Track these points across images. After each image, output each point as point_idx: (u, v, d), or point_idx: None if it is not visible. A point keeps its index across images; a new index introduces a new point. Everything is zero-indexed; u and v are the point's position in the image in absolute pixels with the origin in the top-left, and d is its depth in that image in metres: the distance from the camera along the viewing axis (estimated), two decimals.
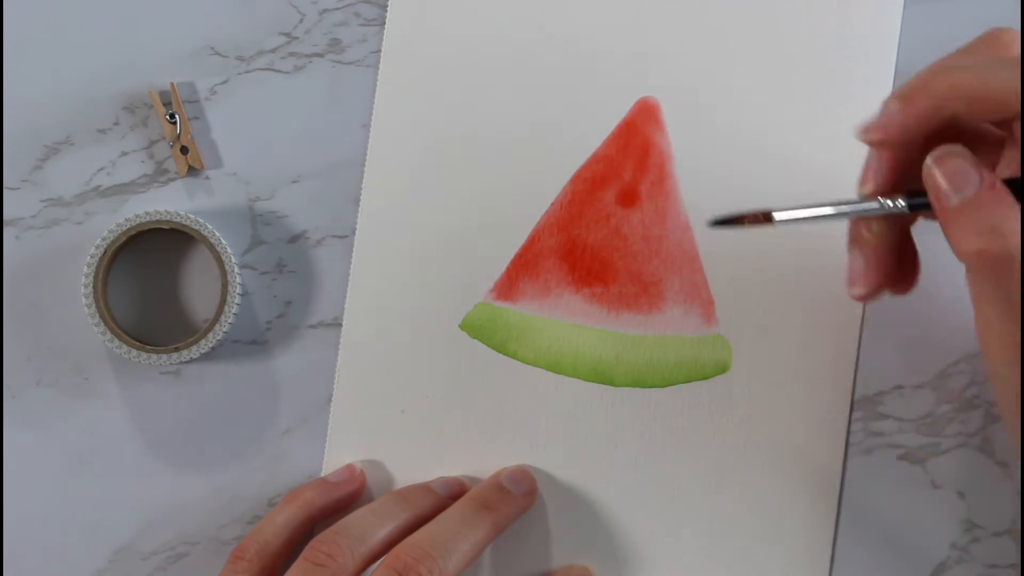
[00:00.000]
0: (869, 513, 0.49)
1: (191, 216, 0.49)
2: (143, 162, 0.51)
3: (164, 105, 0.50)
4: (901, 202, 0.39)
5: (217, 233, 0.49)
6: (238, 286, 0.49)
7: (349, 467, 0.50)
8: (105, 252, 0.49)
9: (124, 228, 0.49)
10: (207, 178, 0.51)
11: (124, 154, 0.51)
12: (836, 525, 0.49)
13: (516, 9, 0.50)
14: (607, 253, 0.50)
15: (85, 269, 0.49)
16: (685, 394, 0.50)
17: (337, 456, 0.50)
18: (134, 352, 0.49)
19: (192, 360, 0.50)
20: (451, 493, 0.49)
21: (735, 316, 0.50)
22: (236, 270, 0.49)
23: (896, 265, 0.42)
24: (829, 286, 0.49)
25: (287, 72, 0.51)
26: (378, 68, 0.50)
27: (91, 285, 0.49)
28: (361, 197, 0.50)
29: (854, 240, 0.41)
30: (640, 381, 0.50)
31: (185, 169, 0.50)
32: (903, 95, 0.39)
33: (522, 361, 0.50)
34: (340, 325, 0.50)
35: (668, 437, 0.50)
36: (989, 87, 0.37)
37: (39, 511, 0.50)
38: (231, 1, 0.51)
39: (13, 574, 0.50)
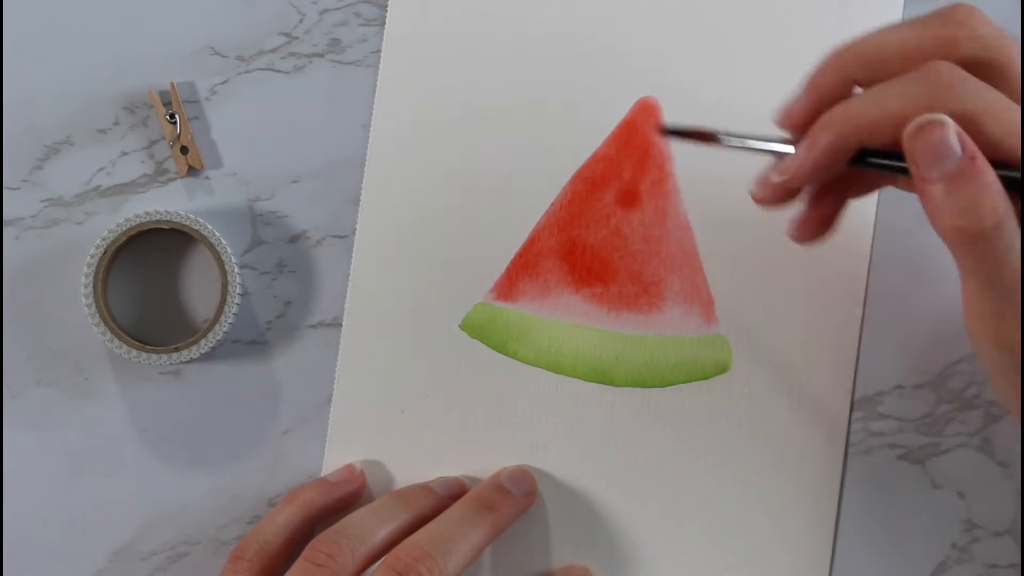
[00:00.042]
0: (869, 513, 0.49)
1: (191, 216, 0.49)
2: (143, 162, 0.51)
3: (164, 105, 0.50)
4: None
5: (217, 233, 0.49)
6: (238, 286, 0.49)
7: (349, 467, 0.50)
8: (105, 252, 0.49)
9: (124, 228, 0.49)
10: (207, 178, 0.51)
11: (124, 154, 0.51)
12: (836, 525, 0.49)
13: (516, 9, 0.50)
14: (607, 253, 0.50)
15: (85, 269, 0.49)
16: (685, 394, 0.50)
17: (337, 456, 0.50)
18: (134, 352, 0.49)
19: (192, 360, 0.50)
20: (451, 493, 0.49)
21: (735, 316, 0.50)
22: (236, 270, 0.49)
23: (813, 202, 0.42)
24: (829, 286, 0.49)
25: (287, 72, 0.51)
26: (378, 68, 0.50)
27: (91, 285, 0.49)
28: (361, 197, 0.50)
29: (776, 169, 0.41)
30: (640, 381, 0.50)
31: (185, 169, 0.50)
32: (809, 137, 0.39)
33: (522, 361, 0.50)
34: (340, 325, 0.50)
35: (668, 437, 0.50)
36: (888, 116, 0.38)
37: (39, 511, 0.50)
38: (231, 1, 0.51)
39: (13, 574, 0.50)
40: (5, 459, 0.50)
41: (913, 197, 0.39)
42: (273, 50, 0.51)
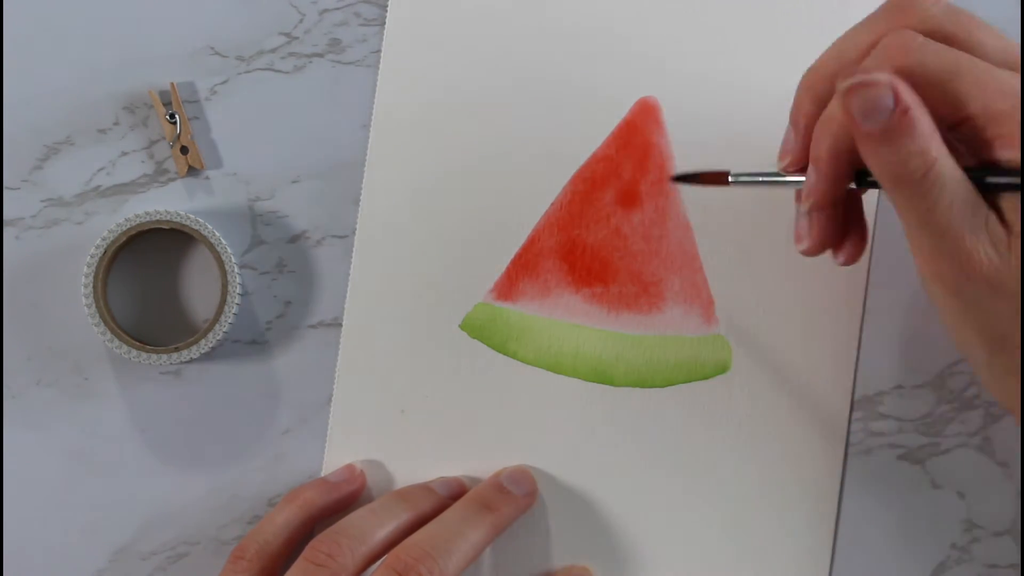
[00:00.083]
0: (869, 513, 0.49)
1: (191, 216, 0.49)
2: (143, 162, 0.51)
3: (164, 105, 0.50)
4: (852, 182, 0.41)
5: (217, 233, 0.49)
6: (238, 286, 0.49)
7: (349, 467, 0.50)
8: (105, 252, 0.49)
9: (124, 228, 0.49)
10: (207, 178, 0.51)
11: (124, 154, 0.51)
12: (836, 525, 0.49)
13: (516, 9, 0.50)
14: (607, 253, 0.50)
15: (85, 269, 0.49)
16: (685, 394, 0.50)
17: (337, 456, 0.50)
18: (134, 352, 0.49)
19: (192, 360, 0.50)
20: (451, 493, 0.49)
21: (735, 316, 0.50)
22: (236, 270, 0.49)
23: (839, 230, 0.43)
24: (829, 286, 0.49)
25: (287, 72, 0.51)
26: (378, 68, 0.50)
27: (91, 285, 0.49)
28: (361, 197, 0.50)
29: (799, 200, 0.43)
30: (640, 381, 0.50)
31: (185, 169, 0.50)
32: (812, 154, 0.41)
33: (522, 361, 0.50)
34: (340, 325, 0.50)
35: (668, 437, 0.50)
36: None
37: (39, 511, 0.50)
38: (231, 1, 0.51)
39: (13, 574, 0.50)
40: (5, 459, 0.50)
41: None
42: (273, 50, 0.51)
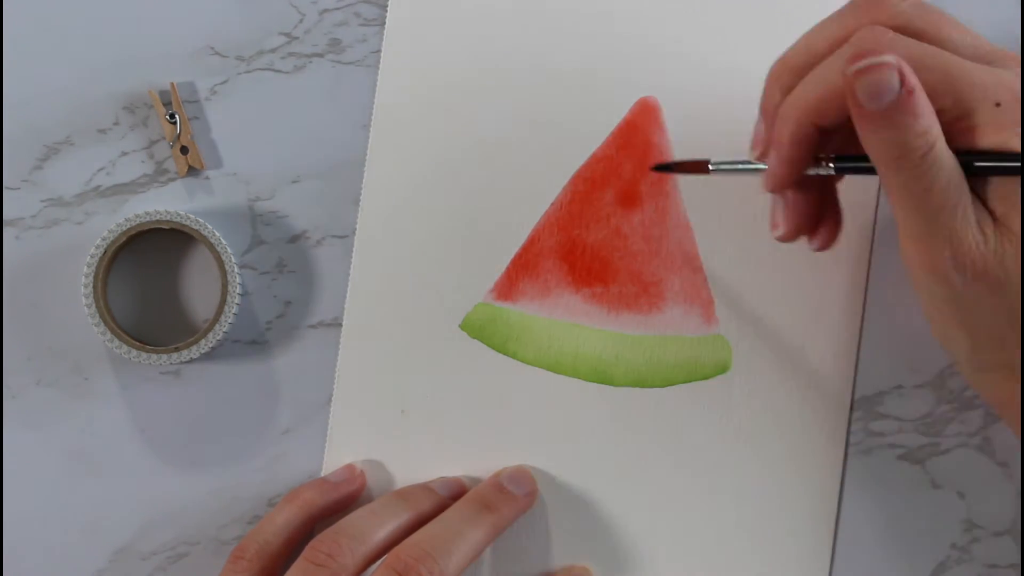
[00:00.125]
0: (869, 513, 0.49)
1: (191, 216, 0.49)
2: (143, 162, 0.51)
3: (164, 105, 0.50)
4: (830, 165, 0.42)
5: (217, 233, 0.49)
6: (238, 286, 0.49)
7: (349, 467, 0.50)
8: (105, 252, 0.49)
9: (124, 228, 0.49)
10: (207, 178, 0.51)
11: (124, 154, 0.51)
12: (836, 525, 0.49)
13: (516, 9, 0.50)
14: (607, 253, 0.50)
15: (85, 269, 0.49)
16: (685, 394, 0.50)
17: (337, 456, 0.50)
18: (134, 352, 0.49)
19: (192, 360, 0.49)
20: (451, 493, 0.49)
21: (735, 316, 0.50)
22: (236, 270, 0.49)
23: (813, 216, 0.44)
24: (829, 286, 0.49)
25: (287, 72, 0.51)
26: (378, 68, 0.50)
27: (91, 285, 0.49)
28: (361, 197, 0.50)
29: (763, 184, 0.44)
30: (640, 381, 0.50)
31: (185, 169, 0.50)
32: (775, 138, 0.42)
33: (522, 361, 0.50)
34: (340, 325, 0.50)
35: (668, 437, 0.50)
36: (832, 90, 0.40)
37: (39, 511, 0.50)
38: (231, 1, 0.51)
39: (13, 574, 0.50)
40: (5, 459, 0.50)
41: None
42: (273, 50, 0.51)
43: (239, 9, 0.50)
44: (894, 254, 0.49)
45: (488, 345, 0.50)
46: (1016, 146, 0.38)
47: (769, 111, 0.43)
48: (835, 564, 0.49)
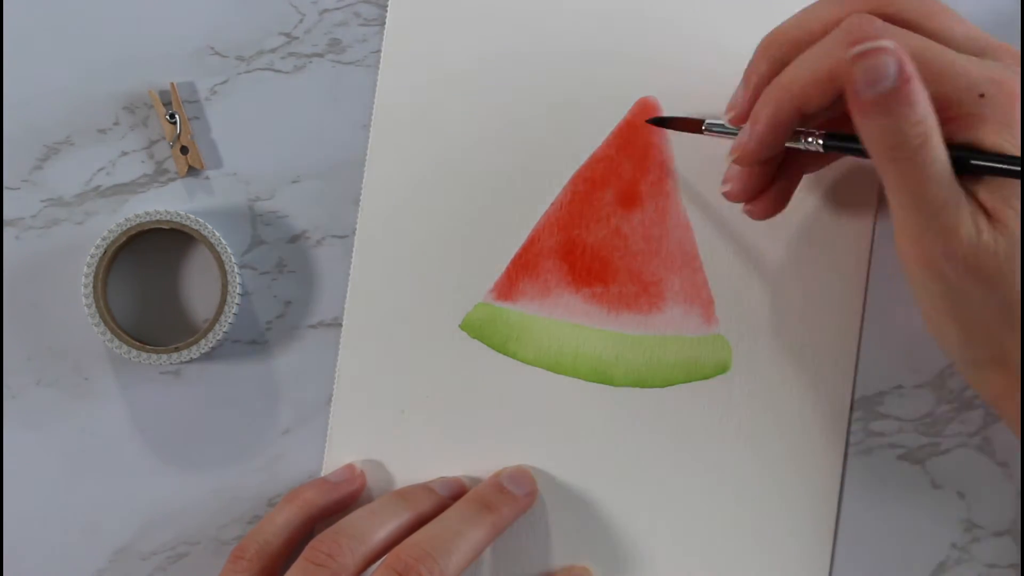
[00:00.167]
0: (869, 513, 0.49)
1: (191, 216, 0.49)
2: (143, 162, 0.51)
3: (164, 105, 0.50)
4: (819, 141, 0.42)
5: (217, 233, 0.49)
6: (238, 286, 0.49)
7: (349, 467, 0.50)
8: (105, 252, 0.49)
9: (124, 228, 0.49)
10: (207, 178, 0.51)
11: (124, 154, 0.51)
12: (836, 525, 0.49)
13: (516, 9, 0.50)
14: (607, 253, 0.50)
15: (85, 269, 0.49)
16: (685, 394, 0.50)
17: (337, 456, 0.50)
18: (134, 352, 0.49)
19: (192, 360, 0.49)
20: (451, 493, 0.49)
21: (735, 316, 0.50)
22: (236, 270, 0.49)
23: (766, 184, 0.45)
24: (829, 286, 0.49)
25: (287, 72, 0.51)
26: (378, 68, 0.50)
27: (91, 285, 0.49)
28: (361, 197, 0.50)
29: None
30: (640, 381, 0.50)
31: (185, 169, 0.50)
32: (752, 115, 0.42)
33: (522, 361, 0.50)
34: (340, 325, 0.50)
35: (668, 437, 0.50)
36: (817, 76, 0.40)
37: (39, 511, 0.50)
38: (231, 1, 0.51)
39: (13, 574, 0.50)
40: (5, 459, 0.50)
41: None
42: (273, 50, 0.51)
43: (239, 9, 0.50)
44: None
45: (488, 345, 0.50)
46: (995, 141, 0.38)
47: (751, 79, 0.44)
48: (835, 564, 0.49)
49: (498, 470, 0.50)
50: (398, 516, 0.46)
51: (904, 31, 0.40)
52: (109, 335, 0.49)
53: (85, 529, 0.50)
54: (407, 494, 0.48)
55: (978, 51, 0.40)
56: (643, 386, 0.50)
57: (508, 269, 0.50)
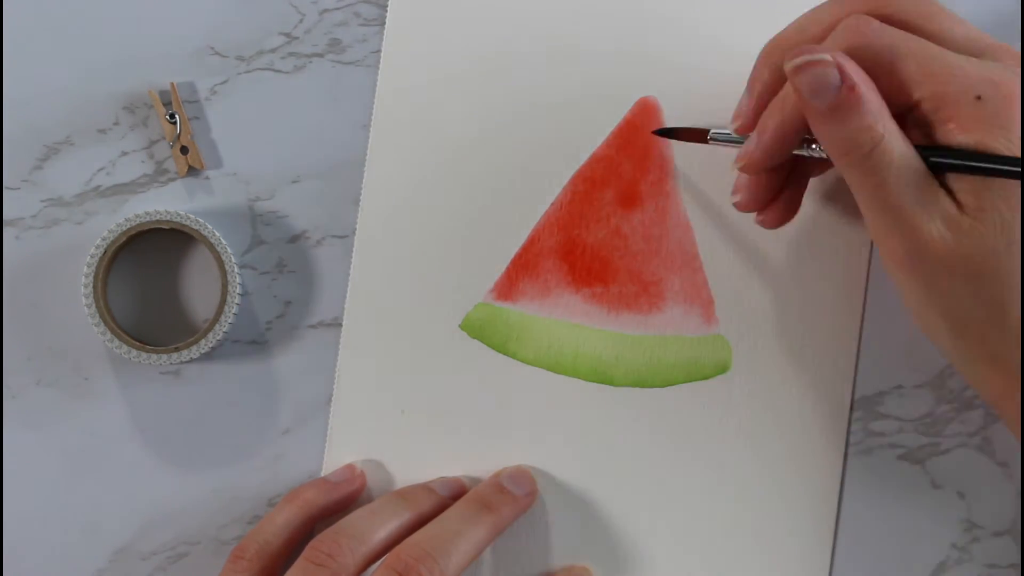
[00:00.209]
0: (869, 513, 0.49)
1: (191, 216, 0.49)
2: (143, 162, 0.51)
3: (164, 105, 0.50)
4: (821, 148, 0.42)
5: (217, 233, 0.49)
6: (238, 286, 0.49)
7: (349, 467, 0.50)
8: (105, 252, 0.49)
9: (124, 228, 0.49)
10: (207, 178, 0.51)
11: (124, 154, 0.51)
12: (836, 525, 0.49)
13: (516, 9, 0.50)
14: (607, 253, 0.50)
15: (85, 269, 0.49)
16: (685, 394, 0.50)
17: (337, 456, 0.50)
18: (134, 352, 0.49)
19: (192, 360, 0.50)
20: (451, 493, 0.49)
21: (735, 316, 0.50)
22: (236, 270, 0.49)
23: (774, 194, 0.45)
24: (829, 286, 0.49)
25: (287, 72, 0.51)
26: (378, 68, 0.50)
27: (91, 285, 0.49)
28: (361, 197, 0.50)
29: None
30: (640, 381, 0.50)
31: (185, 169, 0.50)
32: (759, 125, 0.43)
33: (522, 361, 0.50)
34: (340, 325, 0.50)
35: (668, 437, 0.50)
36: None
37: (39, 511, 0.50)
38: (231, 1, 0.51)
39: (13, 574, 0.50)
40: (5, 459, 0.50)
41: None
42: (273, 50, 0.51)
43: (239, 9, 0.50)
44: None
45: (488, 345, 0.50)
46: (992, 142, 0.38)
47: (755, 88, 0.44)
48: (835, 564, 0.49)
49: (498, 470, 0.50)
50: (398, 516, 0.46)
51: (902, 32, 0.40)
52: (109, 335, 0.49)
53: (85, 529, 0.50)
54: (407, 494, 0.48)
55: (977, 52, 0.40)
56: (643, 386, 0.50)
57: (508, 269, 0.50)
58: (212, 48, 0.51)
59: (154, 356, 0.49)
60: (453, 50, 0.50)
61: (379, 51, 0.50)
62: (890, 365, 0.49)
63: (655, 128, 0.50)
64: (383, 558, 0.44)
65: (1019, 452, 0.49)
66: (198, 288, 0.51)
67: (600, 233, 0.50)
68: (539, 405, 0.50)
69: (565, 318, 0.50)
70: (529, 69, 0.50)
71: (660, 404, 0.50)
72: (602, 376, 0.50)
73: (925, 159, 0.39)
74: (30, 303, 0.50)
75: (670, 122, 0.50)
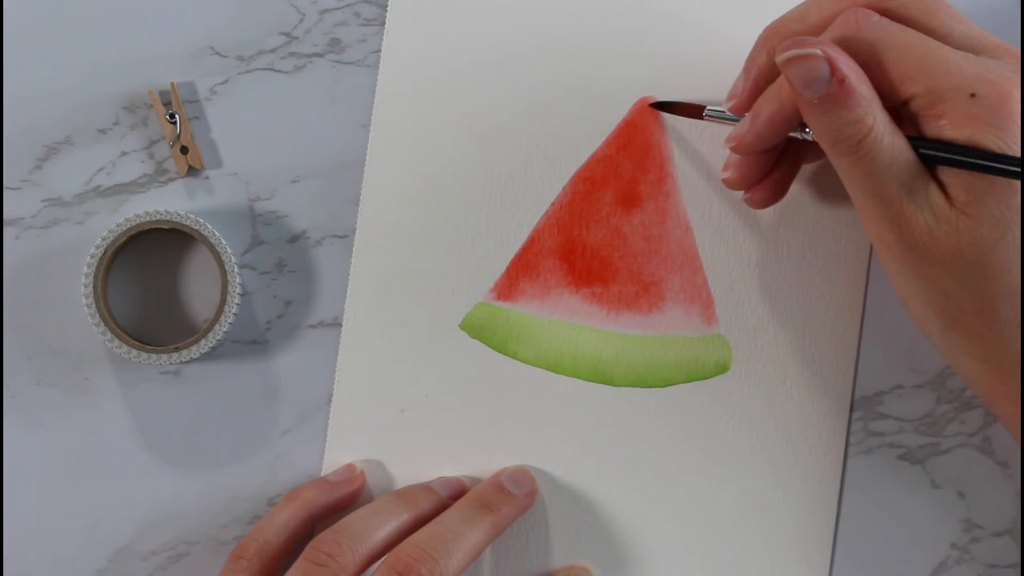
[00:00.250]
0: (869, 513, 0.49)
1: (191, 216, 0.49)
2: (143, 162, 0.51)
3: (164, 105, 0.50)
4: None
5: (217, 233, 0.49)
6: (238, 286, 0.49)
7: (349, 467, 0.50)
8: (105, 252, 0.49)
9: (124, 228, 0.49)
10: (207, 178, 0.51)
11: (124, 154, 0.51)
12: (836, 525, 0.49)
13: (516, 9, 0.50)
14: (607, 253, 0.50)
15: (85, 269, 0.49)
16: (685, 394, 0.50)
17: (337, 456, 0.50)
18: (134, 352, 0.49)
19: (192, 360, 0.49)
20: (452, 493, 0.49)
21: (735, 316, 0.50)
22: (236, 270, 0.49)
23: (765, 172, 0.46)
24: (829, 286, 0.49)
25: (287, 72, 0.51)
26: (378, 68, 0.50)
27: (91, 285, 0.49)
28: (361, 197, 0.50)
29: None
30: (640, 381, 0.50)
31: (185, 169, 0.50)
32: (754, 109, 0.43)
33: (522, 361, 0.50)
34: (340, 325, 0.50)
35: (668, 437, 0.50)
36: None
37: (39, 511, 0.50)
38: (231, 1, 0.51)
39: (13, 574, 0.50)
40: (5, 459, 0.50)
41: None
42: (273, 50, 0.51)
43: (239, 9, 0.50)
44: None
45: (488, 345, 0.50)
46: (983, 139, 0.39)
47: (751, 70, 0.44)
48: (835, 564, 0.49)
49: (498, 470, 0.50)
50: (398, 516, 0.46)
51: (900, 27, 0.40)
52: (109, 335, 0.49)
53: (85, 529, 0.50)
54: (407, 494, 0.48)
55: (976, 49, 0.40)
56: (643, 386, 0.50)
57: (508, 269, 0.50)
58: (212, 48, 0.51)
59: (154, 356, 0.49)
60: (453, 50, 0.50)
61: (379, 51, 0.50)
62: (890, 365, 0.49)
63: (655, 129, 0.50)
64: (383, 558, 0.44)
65: (1019, 452, 0.49)
66: (198, 288, 0.50)
67: (600, 233, 0.50)
68: (539, 405, 0.50)
69: (565, 318, 0.50)
70: (529, 69, 0.50)
71: (660, 404, 0.50)
72: (602, 376, 0.50)
73: (917, 151, 0.40)
74: (30, 303, 0.50)
75: (669, 122, 0.50)
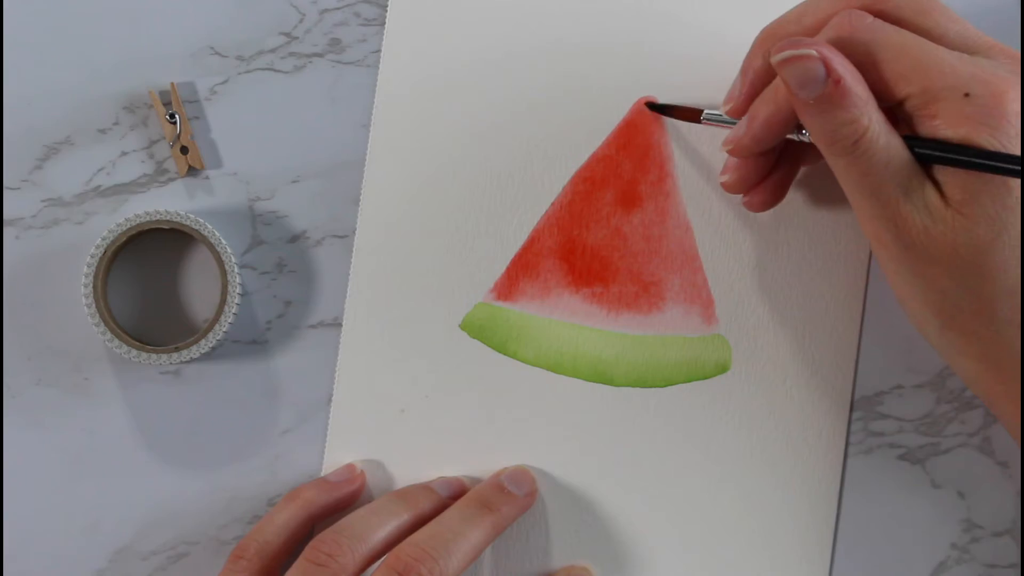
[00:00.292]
0: (869, 513, 0.49)
1: (191, 216, 0.49)
2: (143, 162, 0.51)
3: (164, 105, 0.50)
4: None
5: (217, 233, 0.49)
6: (238, 286, 0.49)
7: (349, 467, 0.50)
8: (105, 252, 0.49)
9: (124, 228, 0.49)
10: (207, 178, 0.51)
11: (124, 154, 0.51)
12: (836, 525, 0.49)
13: (516, 9, 0.50)
14: (607, 253, 0.50)
15: (85, 269, 0.49)
16: (685, 394, 0.50)
17: (337, 456, 0.50)
18: (134, 352, 0.49)
19: (192, 360, 0.50)
20: (451, 493, 0.49)
21: (735, 316, 0.50)
22: (236, 270, 0.49)
23: (763, 175, 0.46)
24: (829, 286, 0.49)
25: (287, 72, 0.51)
26: (378, 68, 0.50)
27: (91, 285, 0.49)
28: (361, 197, 0.50)
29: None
30: (640, 381, 0.50)
31: (185, 169, 0.50)
32: (750, 112, 0.43)
33: (522, 361, 0.50)
34: (340, 325, 0.50)
35: (668, 437, 0.50)
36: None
37: (39, 511, 0.50)
38: (231, 1, 0.51)
39: (13, 574, 0.50)
40: (5, 459, 0.50)
41: None
42: (273, 50, 0.51)
43: (239, 9, 0.50)
44: None
45: (488, 345, 0.50)
46: (977, 138, 0.39)
47: (748, 73, 0.44)
48: (835, 564, 0.49)
49: (498, 470, 0.50)
50: (398, 516, 0.46)
51: (895, 28, 0.40)
52: (109, 335, 0.49)
53: (85, 529, 0.50)
54: (407, 494, 0.48)
55: (970, 49, 0.41)
56: (643, 386, 0.50)
57: (508, 269, 0.50)
58: (212, 48, 0.51)
59: (154, 356, 0.49)
60: (453, 50, 0.50)
61: (379, 51, 0.50)
62: (890, 365, 0.49)
63: (655, 129, 0.50)
64: (383, 558, 0.44)
65: (1019, 452, 0.49)
66: (198, 288, 0.51)
67: (600, 233, 0.50)
68: (539, 405, 0.50)
69: (565, 318, 0.50)
70: (529, 69, 0.50)
71: (660, 404, 0.50)
72: (602, 376, 0.50)
73: (913, 151, 0.40)
74: (30, 303, 0.50)
75: (669, 122, 0.50)
